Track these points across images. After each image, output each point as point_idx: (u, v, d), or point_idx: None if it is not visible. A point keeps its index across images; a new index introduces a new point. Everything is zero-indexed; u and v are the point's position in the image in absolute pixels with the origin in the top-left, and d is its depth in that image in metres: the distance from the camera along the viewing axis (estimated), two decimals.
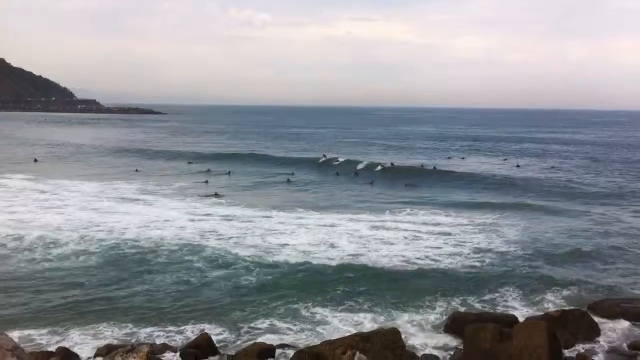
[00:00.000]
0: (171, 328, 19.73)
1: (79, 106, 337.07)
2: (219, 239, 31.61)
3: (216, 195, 47.57)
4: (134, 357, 6.30)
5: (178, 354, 17.41)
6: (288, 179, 58.28)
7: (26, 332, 18.93)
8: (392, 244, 31.12)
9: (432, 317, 20.78)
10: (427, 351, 17.68)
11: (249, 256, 28.08)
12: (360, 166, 66.10)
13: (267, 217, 38.04)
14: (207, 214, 38.57)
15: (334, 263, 27.32)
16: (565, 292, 23.67)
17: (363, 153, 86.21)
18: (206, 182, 55.33)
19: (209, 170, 64.99)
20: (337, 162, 68.40)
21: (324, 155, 68.22)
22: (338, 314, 20.96)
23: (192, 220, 36.49)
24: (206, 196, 46.76)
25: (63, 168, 66.29)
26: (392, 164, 67.72)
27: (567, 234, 33.97)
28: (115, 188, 49.96)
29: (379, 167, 65.42)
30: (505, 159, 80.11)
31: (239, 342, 18.71)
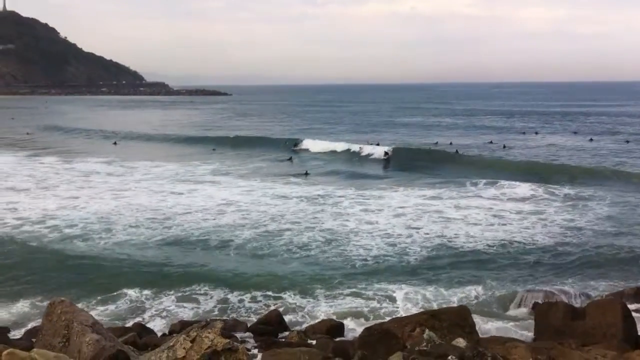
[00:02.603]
0: (244, 303, 20.14)
1: (148, 89, 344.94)
2: (294, 221, 31.16)
3: (306, 174, 46.68)
4: (209, 333, 6.54)
5: (249, 331, 17.84)
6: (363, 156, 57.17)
7: (106, 307, 19.71)
8: (475, 224, 30.61)
9: (505, 296, 20.46)
10: (497, 328, 17.51)
11: (325, 236, 27.94)
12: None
13: (343, 197, 37.79)
14: (283, 195, 38.43)
15: (412, 241, 27.18)
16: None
17: (424, 132, 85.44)
18: (290, 159, 54.33)
19: (296, 144, 63.79)
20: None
21: (378, 143, 63.02)
22: (410, 292, 20.75)
23: (267, 202, 36.43)
24: (294, 176, 46.33)
25: (142, 150, 67.64)
26: (450, 144, 66.28)
27: None
28: (189, 170, 50.30)
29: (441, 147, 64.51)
30: (576, 133, 78.21)
31: (309, 317, 18.96)
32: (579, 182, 41.69)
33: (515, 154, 58.36)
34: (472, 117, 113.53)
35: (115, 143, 75.20)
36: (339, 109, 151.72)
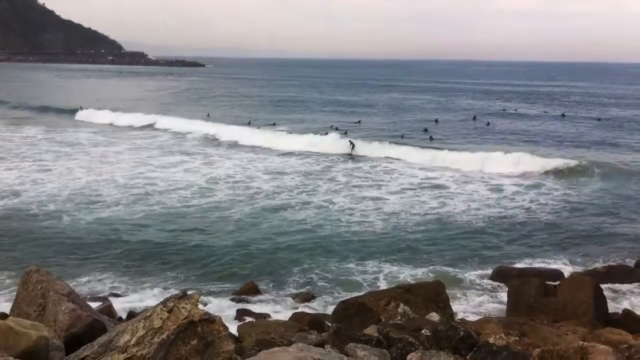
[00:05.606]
0: (215, 281, 20.07)
1: (127, 58, 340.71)
2: (294, 192, 31.35)
3: (351, 143, 46.26)
4: (186, 304, 6.60)
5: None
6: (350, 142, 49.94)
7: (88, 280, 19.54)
8: (473, 200, 30.98)
9: (480, 272, 20.71)
10: (472, 304, 17.81)
11: (316, 213, 27.79)
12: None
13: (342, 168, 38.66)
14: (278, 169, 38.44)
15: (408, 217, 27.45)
16: (615, 249, 23.35)
17: (406, 111, 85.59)
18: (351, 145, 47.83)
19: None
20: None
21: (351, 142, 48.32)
22: (390, 269, 20.92)
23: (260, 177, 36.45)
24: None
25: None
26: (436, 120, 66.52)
27: (629, 191, 33.29)
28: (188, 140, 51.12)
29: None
30: (546, 112, 79.49)
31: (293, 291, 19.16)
32: (559, 161, 41.77)
33: (497, 131, 59.22)
34: (456, 95, 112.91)
35: (81, 108, 73.47)
36: (315, 84, 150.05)
